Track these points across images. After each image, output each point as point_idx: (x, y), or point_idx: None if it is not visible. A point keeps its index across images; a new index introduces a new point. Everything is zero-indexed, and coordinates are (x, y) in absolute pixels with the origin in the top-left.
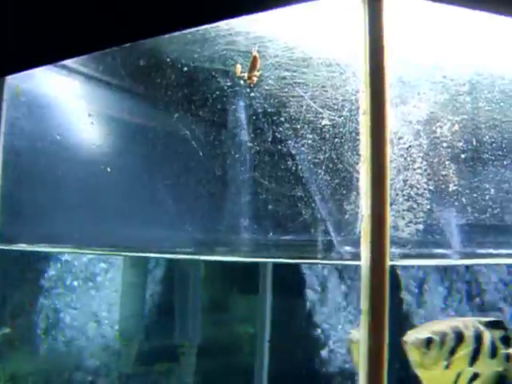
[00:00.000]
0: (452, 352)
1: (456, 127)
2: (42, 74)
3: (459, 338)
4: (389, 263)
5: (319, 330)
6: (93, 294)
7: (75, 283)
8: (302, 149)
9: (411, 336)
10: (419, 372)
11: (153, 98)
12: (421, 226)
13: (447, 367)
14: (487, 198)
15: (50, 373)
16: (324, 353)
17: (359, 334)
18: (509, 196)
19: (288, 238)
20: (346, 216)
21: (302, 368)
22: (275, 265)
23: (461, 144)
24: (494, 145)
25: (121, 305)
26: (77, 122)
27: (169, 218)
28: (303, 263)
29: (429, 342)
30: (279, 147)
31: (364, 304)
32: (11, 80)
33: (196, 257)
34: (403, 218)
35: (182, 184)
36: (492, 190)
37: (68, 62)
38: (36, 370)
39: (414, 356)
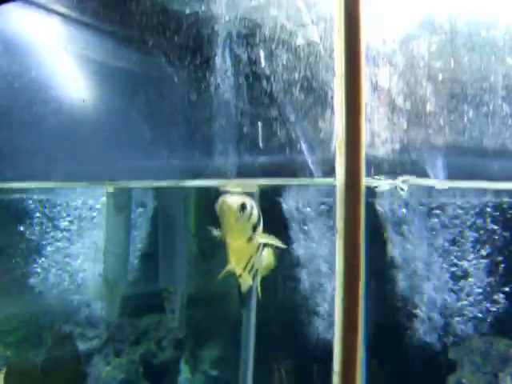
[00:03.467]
0: (255, 228)
1: (433, 47)
2: (16, 12)
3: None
4: (364, 182)
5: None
6: (77, 236)
7: (58, 225)
8: (277, 69)
9: (228, 199)
10: (227, 239)
11: (128, 29)
12: (397, 145)
13: (250, 240)
14: (465, 119)
15: (37, 324)
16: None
17: None
18: (487, 119)
19: (265, 159)
20: (321, 135)
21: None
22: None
23: (438, 64)
24: (473, 67)
25: (105, 247)
26: (52, 59)
27: (145, 146)
28: (279, 185)
29: (243, 207)
30: (254, 69)
31: (339, 223)
32: None
33: (175, 183)
34: (379, 137)
35: (158, 111)
36: (470, 112)
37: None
38: (22, 322)
39: (229, 218)
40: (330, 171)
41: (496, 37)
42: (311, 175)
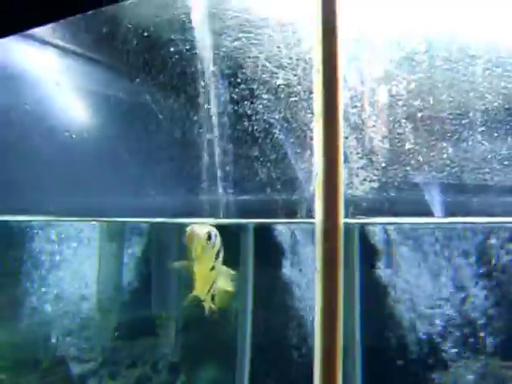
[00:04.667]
0: (217, 256)
1: (412, 85)
2: (10, 45)
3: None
4: (342, 221)
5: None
6: (70, 266)
7: (52, 255)
8: (258, 109)
9: (195, 229)
10: (193, 265)
11: (117, 64)
12: (375, 184)
13: (212, 268)
14: (445, 156)
15: (32, 348)
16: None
17: None
18: (467, 155)
19: (246, 198)
20: (301, 175)
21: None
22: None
23: (417, 102)
24: (452, 104)
25: (98, 276)
26: (45, 91)
27: (133, 183)
28: (261, 223)
29: (209, 236)
30: (236, 108)
31: (318, 262)
32: None
33: (157, 220)
34: (357, 176)
35: (144, 148)
36: (450, 149)
37: (36, 33)
38: (18, 345)
39: (196, 247)
40: (309, 211)
41: (475, 73)
42: (292, 215)
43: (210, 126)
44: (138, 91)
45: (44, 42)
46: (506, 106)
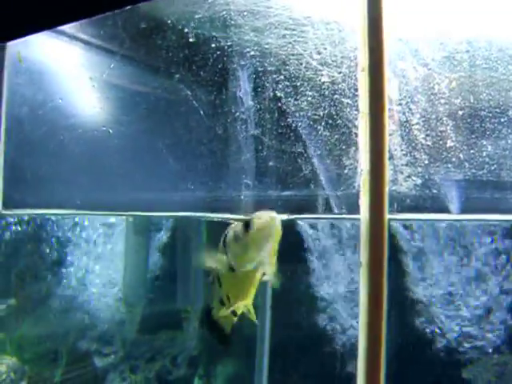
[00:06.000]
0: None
1: (453, 84)
2: (42, 41)
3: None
4: (387, 216)
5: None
6: (97, 260)
7: (78, 250)
8: (302, 106)
9: (271, 215)
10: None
11: (154, 61)
12: (419, 181)
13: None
14: (484, 154)
15: (55, 340)
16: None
17: None
18: (505, 153)
19: (289, 194)
20: (346, 171)
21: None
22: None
23: (458, 101)
24: (491, 102)
25: (124, 270)
26: (77, 87)
27: (171, 177)
28: (304, 218)
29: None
30: (279, 105)
31: (363, 257)
32: (12, 47)
33: (198, 214)
34: (401, 173)
35: (184, 144)
36: (489, 147)
37: (68, 29)
38: (41, 338)
39: (276, 237)
40: (354, 207)
41: None
42: (336, 210)
43: (252, 122)
44: (177, 86)
45: (77, 39)
46: None
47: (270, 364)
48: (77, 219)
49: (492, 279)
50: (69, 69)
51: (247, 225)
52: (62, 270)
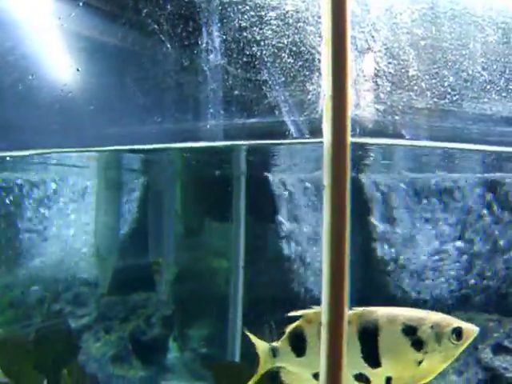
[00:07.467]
0: None
1: (416, 15)
2: None
3: None
4: (350, 140)
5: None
6: (67, 204)
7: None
8: (267, 35)
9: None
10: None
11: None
12: (381, 107)
13: None
14: (446, 84)
15: (23, 299)
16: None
17: None
18: (467, 84)
19: (254, 121)
20: (309, 96)
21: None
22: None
23: (420, 31)
24: (453, 35)
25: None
26: (44, 36)
27: (139, 112)
28: (268, 144)
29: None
30: (245, 34)
31: (326, 179)
32: None
33: (167, 145)
34: (364, 98)
35: (151, 78)
36: (451, 78)
37: None
38: (8, 297)
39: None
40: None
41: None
42: (299, 136)
43: (218, 53)
44: (144, 23)
45: None
46: (505, 40)
47: (243, 322)
48: (47, 169)
49: None
50: (34, 16)
51: None
52: (29, 223)
